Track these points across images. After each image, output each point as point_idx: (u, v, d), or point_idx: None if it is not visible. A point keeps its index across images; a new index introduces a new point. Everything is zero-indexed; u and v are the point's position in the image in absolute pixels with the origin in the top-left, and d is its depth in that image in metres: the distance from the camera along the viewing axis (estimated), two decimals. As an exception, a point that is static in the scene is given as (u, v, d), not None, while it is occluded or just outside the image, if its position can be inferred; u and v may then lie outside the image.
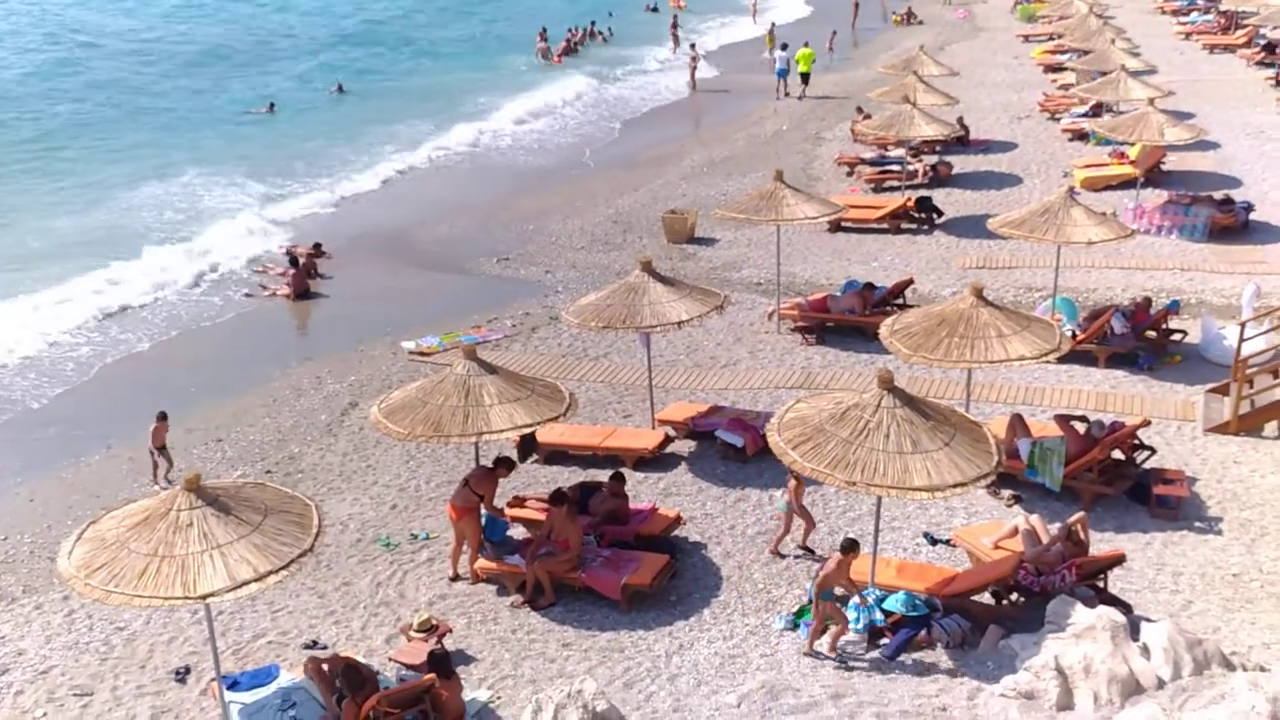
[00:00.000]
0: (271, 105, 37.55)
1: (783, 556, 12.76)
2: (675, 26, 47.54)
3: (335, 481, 15.22)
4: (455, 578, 12.72)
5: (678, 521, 13.40)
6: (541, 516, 12.88)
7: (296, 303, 21.92)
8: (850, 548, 10.92)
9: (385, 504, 14.56)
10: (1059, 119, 31.56)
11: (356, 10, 58.59)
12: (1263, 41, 38.59)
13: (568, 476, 14.45)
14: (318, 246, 24.15)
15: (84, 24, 52.24)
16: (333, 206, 27.91)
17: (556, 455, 15.27)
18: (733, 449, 15.04)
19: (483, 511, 12.56)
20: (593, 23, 49.43)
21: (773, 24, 45.63)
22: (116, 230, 25.95)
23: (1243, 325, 16.13)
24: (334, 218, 27.13)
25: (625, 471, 14.11)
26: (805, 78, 37.63)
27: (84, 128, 35.33)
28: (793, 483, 12.52)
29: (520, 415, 11.98)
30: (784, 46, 39.12)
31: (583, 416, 15.79)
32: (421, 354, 19.01)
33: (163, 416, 15.47)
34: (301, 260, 22.85)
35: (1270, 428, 15.30)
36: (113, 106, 38.09)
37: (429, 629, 11.30)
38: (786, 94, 37.75)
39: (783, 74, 37.81)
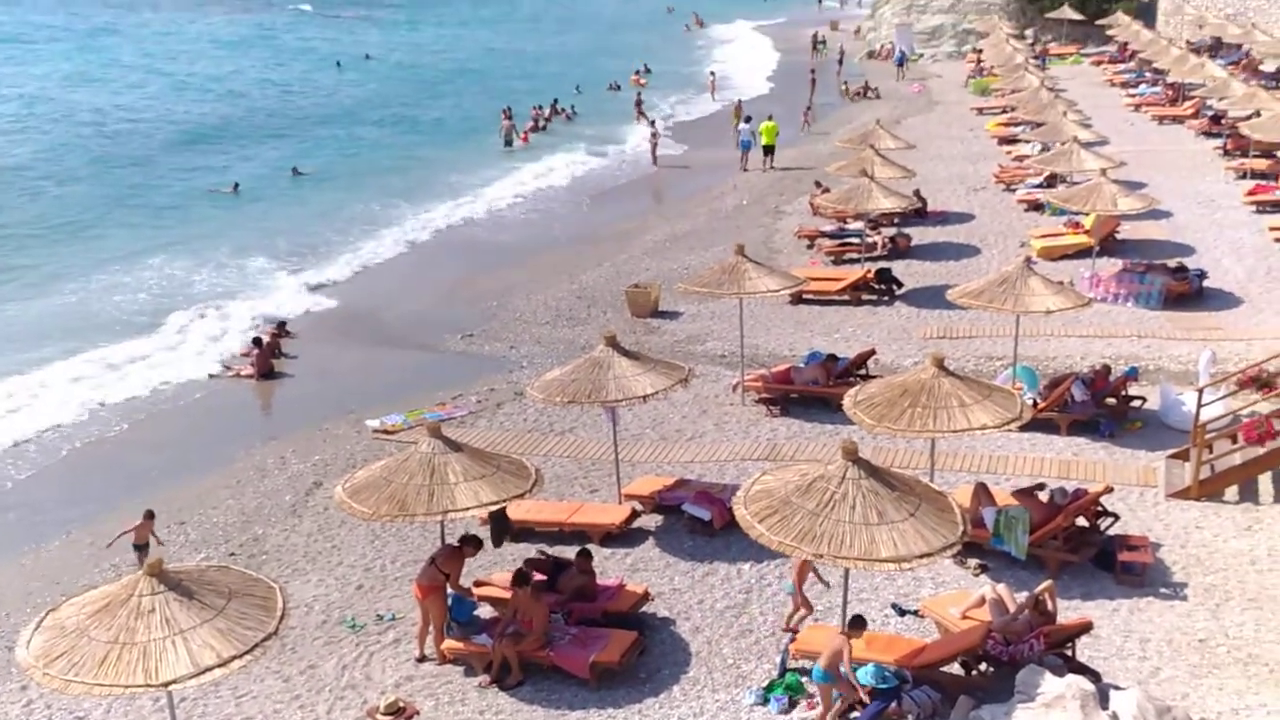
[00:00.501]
0: (236, 185, 37.56)
1: (795, 632, 12.61)
2: (640, 104, 48.03)
3: (300, 563, 15.08)
4: (422, 658, 12.60)
5: (645, 597, 13.34)
6: (507, 595, 12.80)
7: (261, 382, 21.83)
8: (858, 624, 10.94)
9: (350, 585, 14.43)
10: (1014, 190, 32.09)
11: (321, 91, 59.17)
12: (1209, 113, 39.46)
13: (534, 553, 14.36)
14: (282, 325, 24.14)
15: (47, 99, 52.32)
16: (299, 288, 27.82)
17: (523, 532, 15.21)
18: (700, 523, 15.03)
19: (449, 591, 12.48)
20: (555, 100, 49.92)
21: (739, 100, 46.08)
22: (77, 315, 25.71)
23: (1200, 391, 16.37)
24: (298, 295, 27.11)
25: (592, 547, 14.07)
26: (770, 150, 38.29)
27: (45, 209, 35.21)
28: (798, 563, 12.40)
29: (486, 493, 11.95)
30: (748, 119, 39.91)
31: (549, 492, 15.75)
32: (386, 432, 18.94)
33: (150, 515, 15.13)
34: (265, 340, 22.80)
35: (1231, 492, 15.47)
36: (72, 182, 38.11)
37: (396, 711, 11.16)
38: (747, 168, 38.32)
39: (747, 146, 38.49)
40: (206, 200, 36.58)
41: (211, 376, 22.14)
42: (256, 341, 22.61)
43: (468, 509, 11.96)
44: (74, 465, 18.77)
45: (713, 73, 56.65)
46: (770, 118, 39.77)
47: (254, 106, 54.15)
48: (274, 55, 71.69)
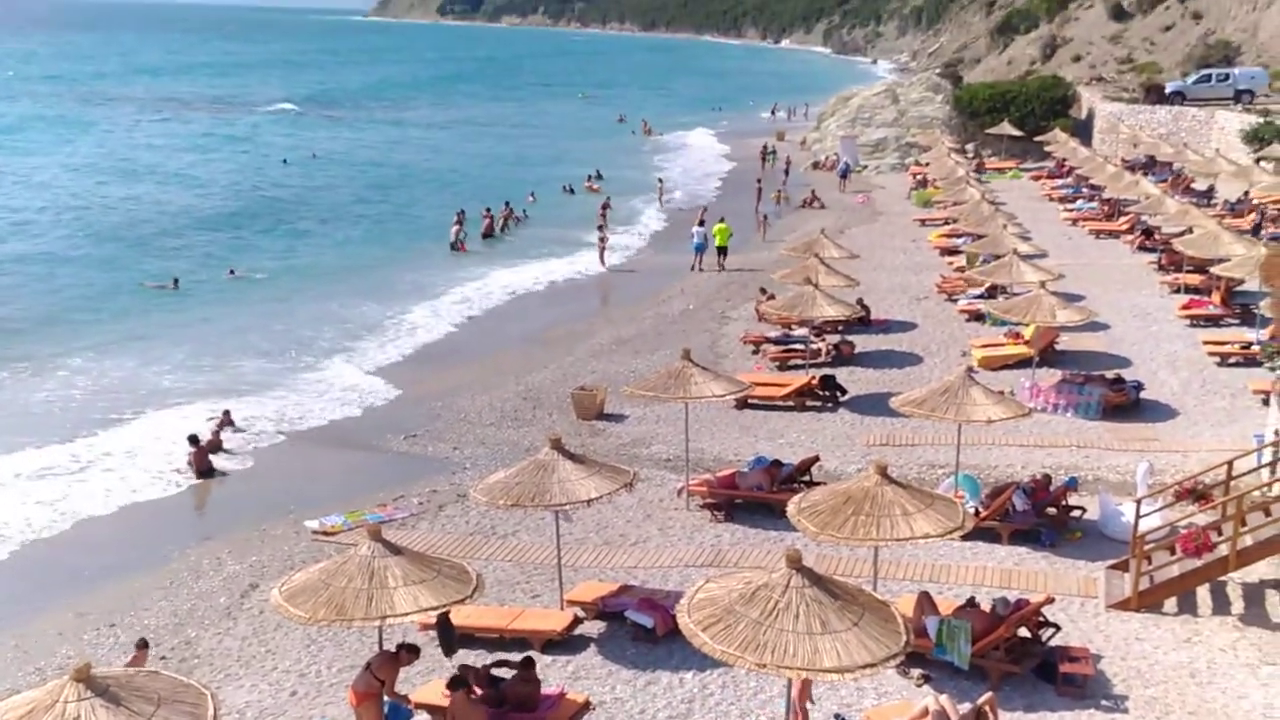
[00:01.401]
0: (176, 281, 37.25)
1: None
2: (606, 209, 48.24)
3: (233, 667, 14.72)
4: (356, 768, 12.27)
5: (587, 707, 13.13)
6: (445, 702, 12.55)
7: (197, 481, 21.50)
8: None
9: (285, 690, 14.09)
10: (956, 300, 32.62)
11: (266, 185, 59.47)
12: (1143, 228, 40.46)
13: (474, 660, 14.13)
14: (227, 414, 23.89)
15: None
16: (240, 388, 27.58)
17: (464, 638, 14.96)
18: (643, 630, 14.87)
19: (385, 698, 12.21)
20: (508, 203, 50.19)
21: (704, 207, 46.34)
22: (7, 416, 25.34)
23: (1138, 502, 16.54)
24: (244, 388, 26.82)
25: (534, 654, 13.86)
26: (723, 251, 39.49)
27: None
28: (798, 683, 12.11)
29: (426, 598, 11.76)
30: (701, 222, 40.92)
31: (490, 597, 15.54)
32: (326, 533, 18.68)
33: (143, 644, 14.56)
34: (205, 439, 22.50)
35: (1170, 604, 15.56)
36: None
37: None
38: (702, 268, 39.16)
39: (700, 249, 39.50)
40: (145, 296, 36.25)
41: (147, 474, 21.75)
42: (193, 439, 22.30)
43: (407, 614, 11.73)
44: (10, 565, 18.29)
45: (660, 179, 57.46)
46: (722, 220, 40.83)
47: (199, 202, 54.18)
48: (236, 152, 72.16)
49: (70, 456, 22.71)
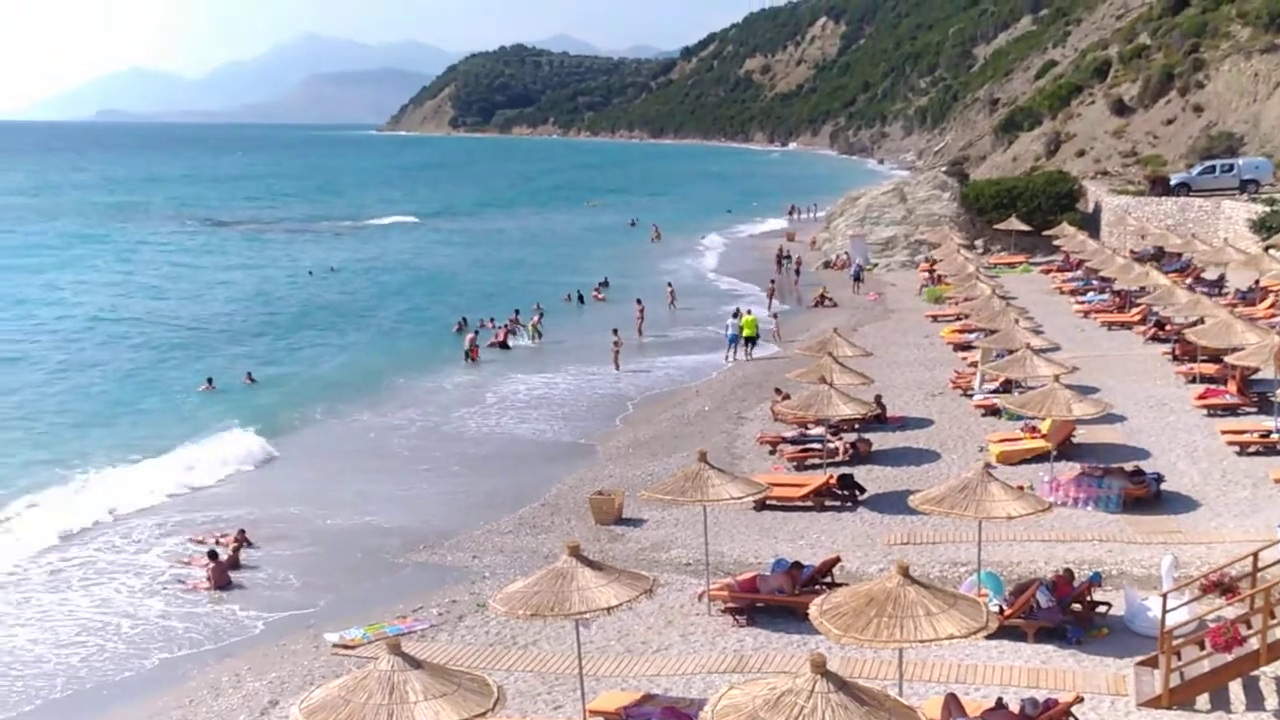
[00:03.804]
0: (210, 380, 38.15)
1: None
2: (640, 316, 48.46)
3: (252, 787, 14.54)
4: None
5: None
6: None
7: (215, 595, 21.42)
8: None
9: (305, 810, 13.85)
10: (971, 395, 32.61)
11: (283, 291, 60.68)
12: (1155, 319, 40.53)
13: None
14: (242, 533, 23.86)
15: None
16: (253, 488, 27.65)
17: (485, 751, 14.76)
18: (666, 739, 14.67)
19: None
20: (516, 312, 50.48)
21: (738, 309, 46.54)
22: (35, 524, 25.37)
23: (1164, 596, 16.36)
24: (261, 499, 26.84)
25: (556, 766, 13.68)
26: (751, 342, 41.50)
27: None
28: None
29: (447, 712, 11.64)
30: (735, 314, 42.44)
31: (512, 709, 15.38)
32: (345, 647, 18.55)
33: None
34: (225, 553, 22.49)
35: (1203, 700, 15.30)
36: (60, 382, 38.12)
37: None
38: (735, 359, 41.26)
39: (734, 340, 41.57)
40: (180, 400, 36.96)
41: (166, 590, 21.70)
42: (212, 554, 22.28)
43: (428, 729, 11.61)
44: (27, 679, 18.15)
45: (670, 284, 57.80)
46: (750, 312, 42.82)
47: (217, 312, 55.19)
48: (255, 265, 73.60)
49: (86, 565, 22.73)
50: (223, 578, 21.74)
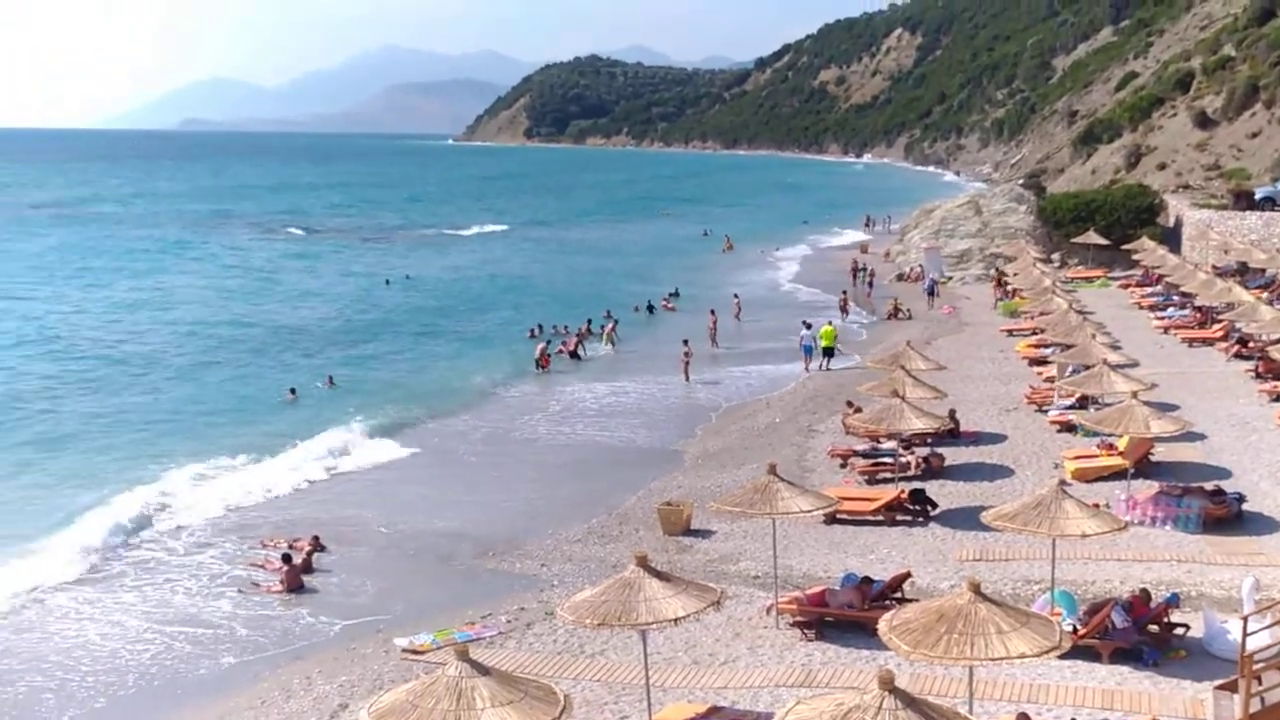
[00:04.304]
0: (293, 390, 38.73)
1: None
2: (715, 326, 48.47)
3: (321, 789, 14.69)
4: None
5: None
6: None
7: (288, 598, 21.69)
8: None
9: (372, 813, 13.97)
10: (1046, 411, 32.16)
11: (364, 299, 61.88)
12: (1237, 336, 39.72)
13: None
14: (316, 539, 24.14)
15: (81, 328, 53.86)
16: (328, 492, 28.02)
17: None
18: (732, 752, 14.61)
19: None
20: (589, 320, 50.73)
21: (809, 320, 46.47)
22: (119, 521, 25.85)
23: (1245, 619, 15.98)
24: (335, 504, 27.18)
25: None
26: (829, 353, 41.80)
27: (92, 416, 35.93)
28: None
29: (514, 719, 11.69)
30: (808, 325, 42.63)
31: (578, 717, 15.38)
32: (414, 652, 18.70)
33: None
34: (299, 557, 22.78)
35: (1283, 726, 14.93)
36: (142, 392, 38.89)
37: None
38: (810, 369, 41.48)
39: (808, 350, 41.76)
40: (262, 405, 37.75)
41: (239, 592, 22.03)
42: (286, 558, 22.58)
43: (495, 736, 11.66)
44: (106, 680, 18.49)
45: (736, 295, 57.64)
46: (830, 323, 43.34)
47: (305, 318, 56.35)
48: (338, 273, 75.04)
49: (161, 566, 23.19)
50: (295, 581, 22.02)
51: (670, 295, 61.51)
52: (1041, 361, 38.67)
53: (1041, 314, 43.60)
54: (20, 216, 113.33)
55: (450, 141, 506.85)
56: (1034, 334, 43.37)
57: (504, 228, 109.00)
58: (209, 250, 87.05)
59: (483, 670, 12.17)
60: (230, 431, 33.85)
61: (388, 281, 69.31)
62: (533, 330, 49.08)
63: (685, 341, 42.62)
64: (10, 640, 19.99)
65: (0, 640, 19.96)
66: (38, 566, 22.87)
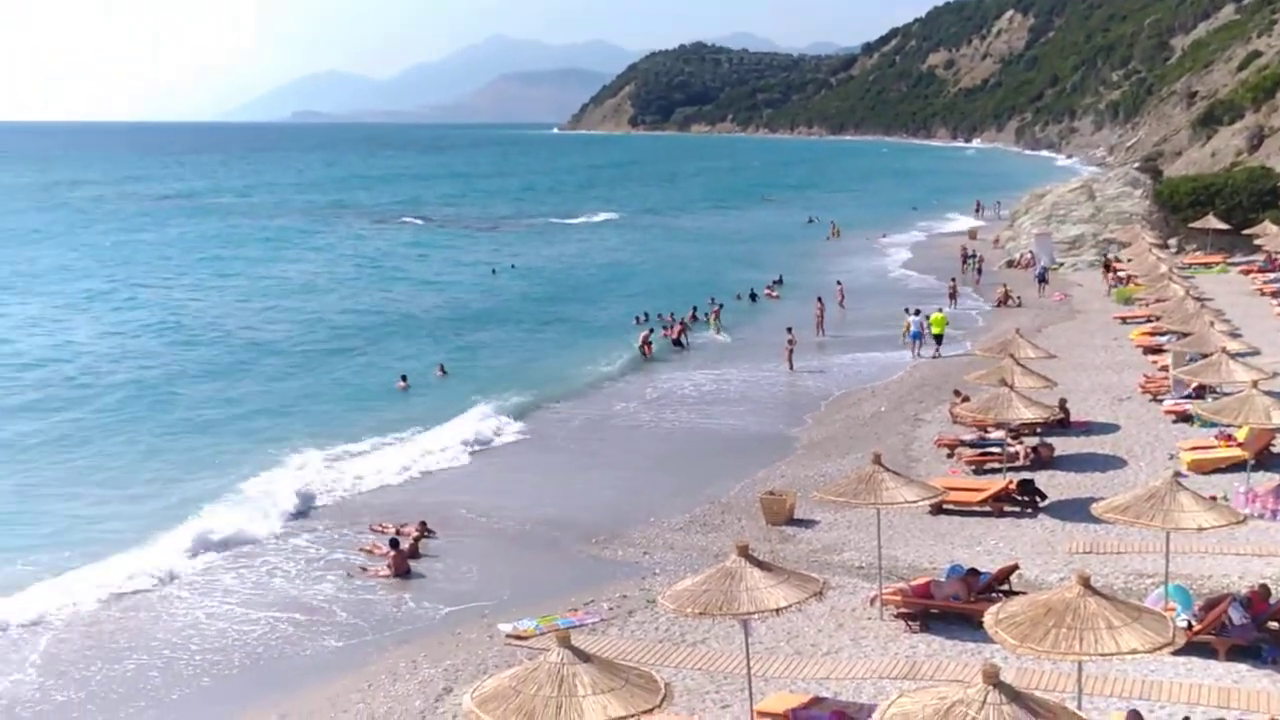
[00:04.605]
0: (404, 377, 39.33)
1: None
2: (822, 316, 48.24)
3: (426, 771, 14.91)
4: None
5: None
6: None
7: (396, 583, 22.05)
8: None
9: (476, 796, 14.15)
10: (1161, 400, 31.34)
11: (476, 287, 63.23)
12: (1368, 322, 38.30)
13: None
14: (423, 524, 24.50)
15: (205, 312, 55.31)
16: (436, 479, 28.44)
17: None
18: (835, 743, 14.50)
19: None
20: (694, 308, 50.80)
21: (917, 308, 46.09)
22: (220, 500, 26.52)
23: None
24: (442, 490, 27.56)
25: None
26: (939, 339, 41.68)
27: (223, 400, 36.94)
28: None
29: (614, 706, 11.73)
30: (916, 311, 42.63)
31: (679, 706, 15.42)
32: (518, 637, 18.89)
33: None
34: (407, 542, 23.15)
35: None
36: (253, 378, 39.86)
37: None
38: (920, 355, 41.40)
39: (916, 337, 41.76)
40: (374, 392, 38.50)
41: (348, 576, 22.44)
42: (394, 543, 22.94)
43: (596, 724, 11.72)
44: (218, 660, 18.99)
45: (840, 282, 57.07)
46: (940, 309, 43.44)
47: (424, 305, 57.40)
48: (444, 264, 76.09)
49: (272, 550, 23.79)
50: (403, 566, 22.37)
51: (774, 283, 61.20)
52: (1157, 350, 37.66)
53: (1157, 301, 42.52)
54: (149, 209, 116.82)
55: (555, 131, 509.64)
56: (1149, 321, 42.26)
57: (612, 216, 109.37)
58: (325, 240, 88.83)
59: (584, 657, 12.24)
60: (343, 419, 34.50)
61: (494, 271, 70.00)
62: (638, 318, 49.33)
63: (789, 329, 42.34)
64: (120, 619, 20.59)
65: (111, 620, 20.57)
66: (151, 548, 23.52)
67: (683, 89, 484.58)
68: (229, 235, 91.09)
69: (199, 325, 51.75)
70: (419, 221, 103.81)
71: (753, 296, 57.59)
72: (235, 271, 69.89)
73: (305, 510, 26.31)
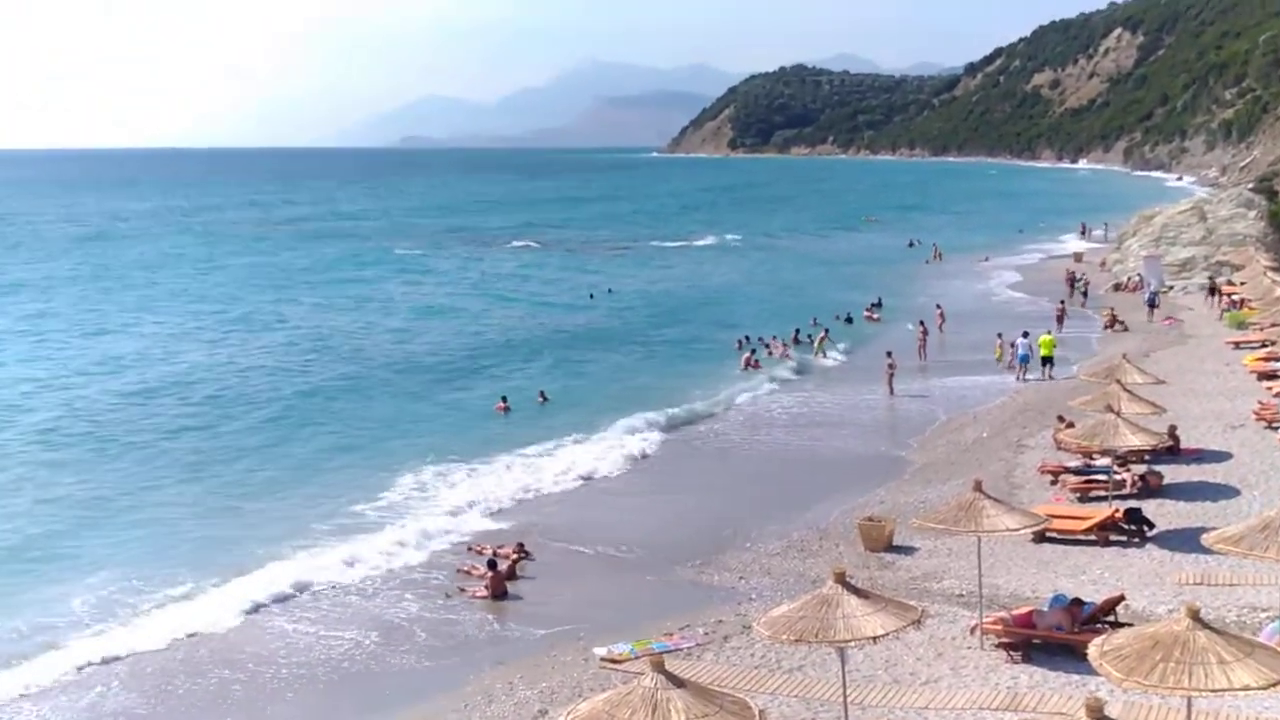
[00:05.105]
0: (505, 399, 39.48)
1: None
2: (924, 337, 47.75)
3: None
4: None
5: None
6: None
7: (493, 604, 22.19)
8: None
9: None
10: (1277, 428, 30.38)
11: (574, 313, 63.27)
12: None
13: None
14: (521, 546, 24.65)
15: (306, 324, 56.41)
16: (534, 501, 28.61)
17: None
18: (933, 775, 14.24)
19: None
20: (797, 330, 50.66)
21: (999, 334, 45.50)
22: (335, 522, 26.91)
23: None
24: (540, 512, 27.73)
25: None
26: (1048, 362, 41.24)
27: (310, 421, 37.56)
28: None
29: (707, 733, 11.66)
30: (1025, 334, 42.13)
31: (774, 733, 15.27)
32: (612, 661, 18.87)
33: None
34: (504, 564, 23.30)
35: None
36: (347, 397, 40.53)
37: None
38: (1025, 379, 40.90)
39: (1024, 360, 41.18)
40: (475, 418, 38.66)
41: (446, 597, 22.63)
42: (491, 565, 23.10)
43: (688, 750, 11.64)
44: (322, 681, 19.22)
45: (939, 305, 56.29)
46: (1049, 331, 43.05)
47: (518, 332, 57.60)
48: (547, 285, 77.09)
49: (371, 569, 24.03)
50: (500, 587, 22.51)
51: (873, 305, 60.66)
52: (1272, 376, 36.58)
53: (1272, 325, 41.31)
54: (268, 233, 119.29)
55: (655, 154, 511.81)
56: (1264, 346, 41.09)
57: (713, 240, 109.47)
58: (433, 263, 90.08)
59: (678, 682, 12.18)
60: (444, 441, 34.67)
61: (591, 295, 70.25)
62: (740, 341, 49.15)
63: (889, 353, 41.90)
64: (205, 637, 20.84)
65: (199, 639, 20.78)
66: (247, 569, 23.82)
67: (782, 111, 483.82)
68: (352, 258, 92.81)
69: (346, 348, 52.50)
70: (539, 245, 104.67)
71: (849, 319, 57.09)
72: (368, 296, 70.91)
73: (404, 531, 26.51)
